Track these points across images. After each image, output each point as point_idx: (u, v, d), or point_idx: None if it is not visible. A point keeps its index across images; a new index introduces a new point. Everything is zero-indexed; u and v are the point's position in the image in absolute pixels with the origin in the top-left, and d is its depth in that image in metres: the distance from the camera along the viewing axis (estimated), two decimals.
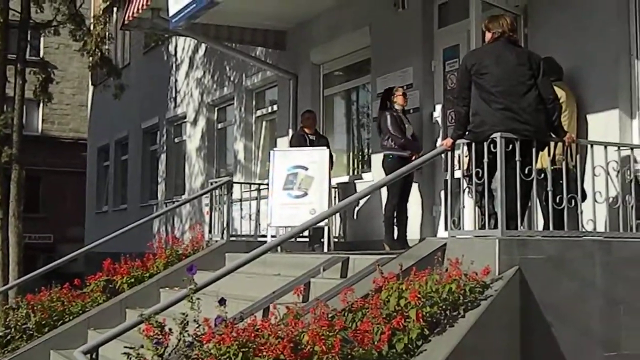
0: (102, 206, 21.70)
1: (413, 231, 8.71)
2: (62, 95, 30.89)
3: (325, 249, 8.98)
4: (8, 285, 9.81)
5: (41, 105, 29.86)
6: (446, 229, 5.84)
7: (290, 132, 11.30)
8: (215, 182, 9.87)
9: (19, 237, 10.75)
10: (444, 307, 4.68)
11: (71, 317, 8.16)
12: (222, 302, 4.50)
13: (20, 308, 8.53)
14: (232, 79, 13.90)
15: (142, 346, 4.30)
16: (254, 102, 13.43)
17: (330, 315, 4.46)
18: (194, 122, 15.48)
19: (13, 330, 8.22)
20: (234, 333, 4.19)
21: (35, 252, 23.73)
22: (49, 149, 29.40)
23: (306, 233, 9.80)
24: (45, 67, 13.54)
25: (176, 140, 16.90)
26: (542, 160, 5.74)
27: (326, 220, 8.81)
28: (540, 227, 5.78)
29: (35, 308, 8.31)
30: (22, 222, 10.85)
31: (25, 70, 11.68)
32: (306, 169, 9.35)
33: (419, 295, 4.54)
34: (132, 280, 8.60)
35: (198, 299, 4.66)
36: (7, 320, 8.41)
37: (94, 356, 4.51)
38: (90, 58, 13.73)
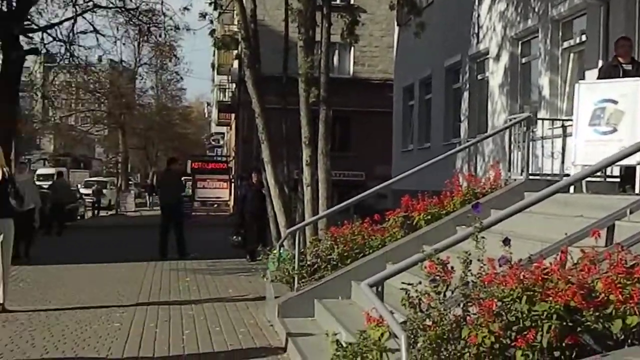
0: (408, 145, 22.21)
1: None
2: (371, 37, 32.00)
3: (638, 191, 8.16)
4: (316, 216, 10.45)
5: (352, 48, 31.25)
6: None
7: (600, 63, 10.39)
8: (514, 118, 9.47)
9: (327, 173, 11.33)
10: None
11: (371, 251, 8.49)
12: (506, 242, 4.28)
13: (326, 240, 9.10)
14: (536, 9, 13.16)
15: (419, 282, 4.26)
16: (560, 34, 12.59)
17: (630, 263, 4.01)
18: (497, 58, 15.01)
19: (320, 260, 8.79)
20: (519, 275, 3.97)
21: (348, 189, 25.09)
22: (359, 90, 30.71)
23: (617, 173, 9.05)
24: (351, 10, 13.94)
25: (479, 77, 16.58)
26: None
27: (638, 158, 8.00)
28: None
29: (338, 240, 8.78)
30: (329, 159, 11.41)
31: (331, 14, 12.10)
32: (616, 102, 8.50)
33: None
34: (429, 217, 8.67)
35: (483, 237, 4.48)
36: (316, 250, 9.00)
37: (379, 289, 4.58)
38: None
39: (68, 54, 22.70)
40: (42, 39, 22.05)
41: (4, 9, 19.51)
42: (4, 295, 9.05)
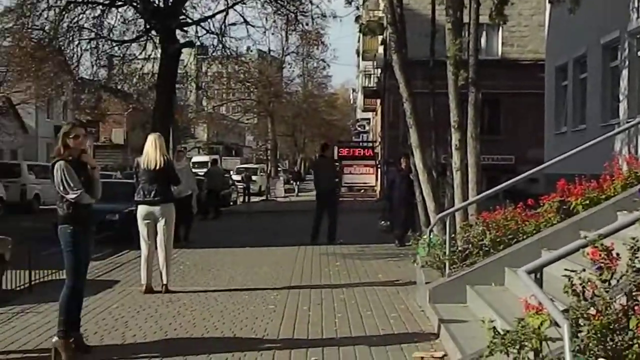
0: (561, 127, 21.36)
1: None
2: (520, 17, 30.98)
3: None
4: (466, 202, 10.26)
5: (500, 29, 30.38)
6: None
7: None
8: None
9: (477, 157, 11.08)
10: None
11: (524, 237, 8.25)
12: None
13: (477, 225, 8.92)
14: None
15: (583, 270, 4.07)
16: None
17: None
18: None
19: (471, 246, 8.65)
20: None
21: (497, 173, 24.50)
22: (508, 71, 29.86)
23: None
24: None
25: (639, 54, 15.62)
26: None
27: None
28: None
29: (490, 226, 8.60)
30: (479, 143, 11.15)
31: None
32: None
33: None
34: (587, 201, 8.29)
35: None
36: (467, 236, 8.86)
37: (537, 276, 4.43)
38: None
39: (220, 45, 23.52)
40: (196, 32, 23.01)
41: (162, 5, 20.50)
42: (167, 276, 9.59)
